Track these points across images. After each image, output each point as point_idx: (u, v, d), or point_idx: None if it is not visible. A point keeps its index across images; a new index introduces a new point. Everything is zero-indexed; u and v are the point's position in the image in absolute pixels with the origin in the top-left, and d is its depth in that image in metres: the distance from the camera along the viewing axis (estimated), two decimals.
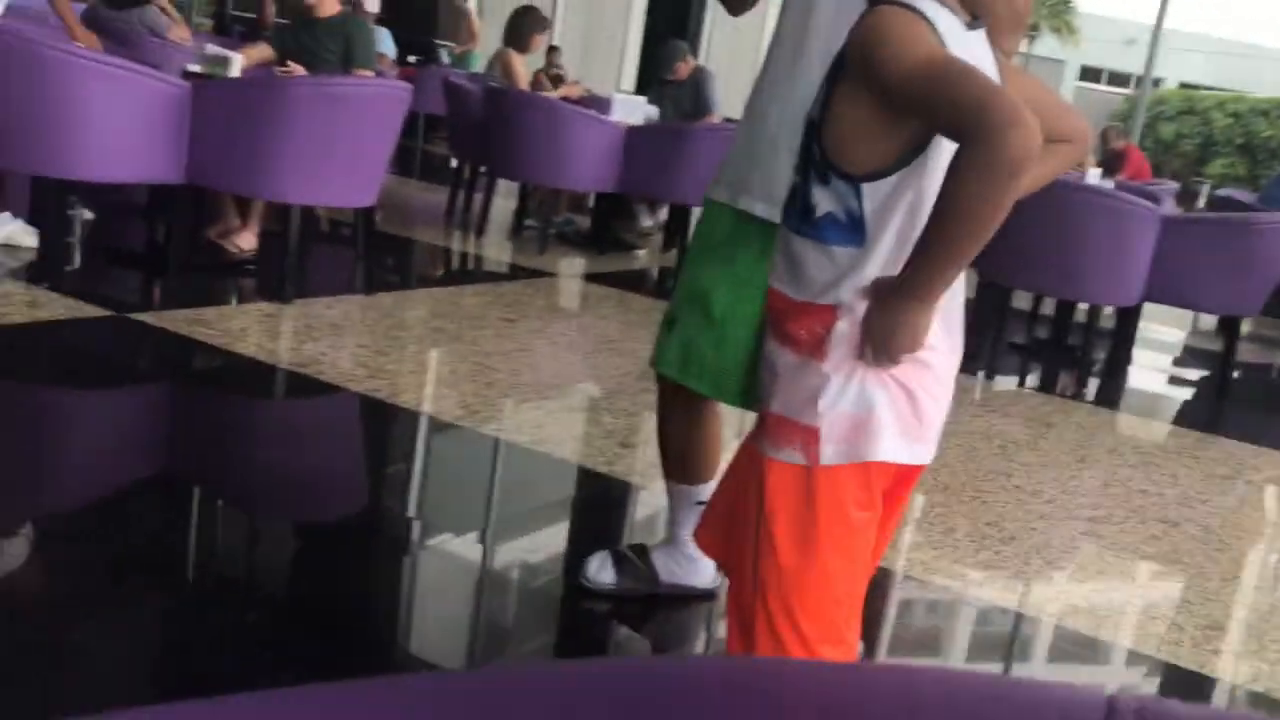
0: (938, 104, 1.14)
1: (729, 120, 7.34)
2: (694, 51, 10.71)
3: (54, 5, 5.03)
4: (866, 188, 1.22)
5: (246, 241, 4.80)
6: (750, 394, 1.80)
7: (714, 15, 11.26)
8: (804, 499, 1.30)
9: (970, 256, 1.15)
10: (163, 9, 7.27)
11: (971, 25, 1.28)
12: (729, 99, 8.91)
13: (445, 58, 11.75)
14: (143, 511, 2.39)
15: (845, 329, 1.25)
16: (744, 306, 1.83)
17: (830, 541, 1.31)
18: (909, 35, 1.16)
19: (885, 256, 1.24)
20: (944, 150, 1.18)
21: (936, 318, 1.24)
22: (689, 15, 10.91)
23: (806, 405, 1.28)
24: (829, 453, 1.28)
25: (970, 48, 1.24)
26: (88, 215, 4.96)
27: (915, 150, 1.21)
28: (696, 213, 7.29)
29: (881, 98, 1.19)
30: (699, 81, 7.24)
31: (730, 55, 15.09)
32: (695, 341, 1.90)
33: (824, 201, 1.26)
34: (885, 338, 1.22)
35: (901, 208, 1.23)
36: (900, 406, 1.27)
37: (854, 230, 1.24)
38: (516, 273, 5.74)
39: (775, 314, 1.35)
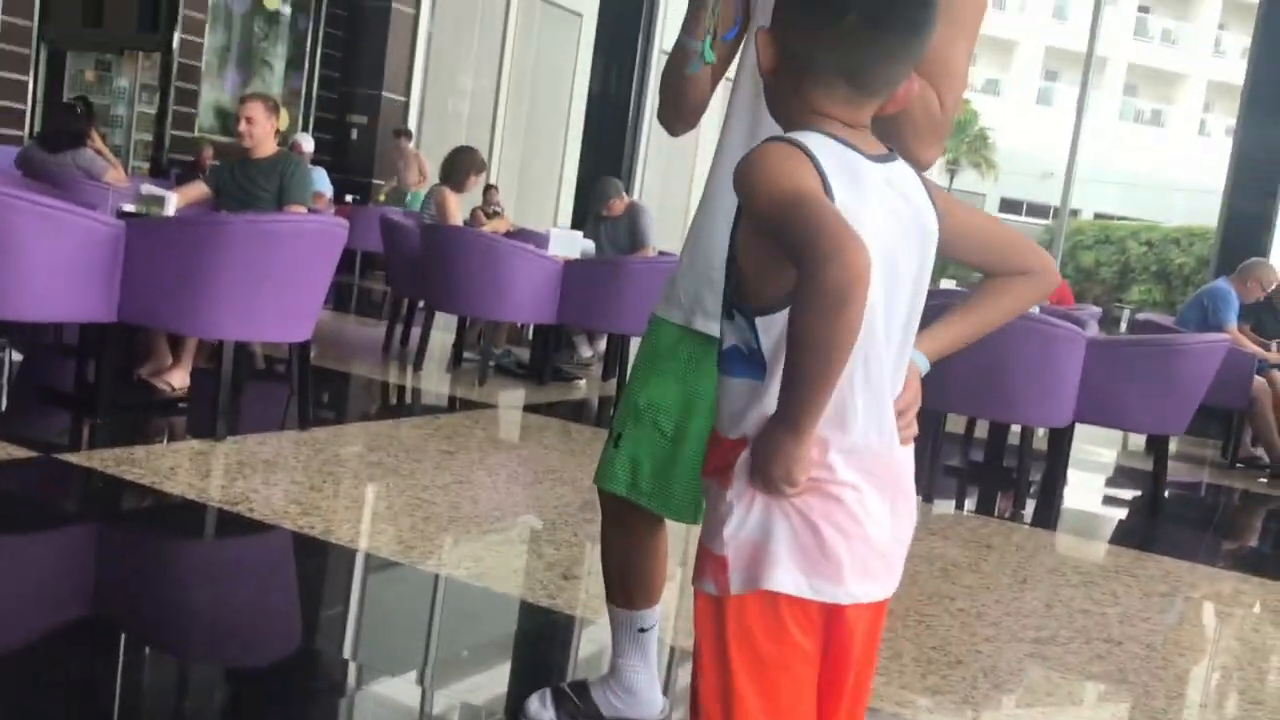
0: (784, 236, 1.16)
1: (663, 253, 7.47)
2: (628, 188, 10.94)
3: None
4: (760, 321, 1.24)
5: (178, 379, 4.73)
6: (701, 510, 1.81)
7: (646, 152, 11.55)
8: (717, 629, 1.29)
9: (823, 386, 1.15)
10: (99, 151, 7.30)
11: (882, 158, 1.30)
12: (663, 232, 9.08)
13: (382, 196, 11.89)
14: (67, 659, 2.29)
15: (747, 459, 1.25)
16: (695, 421, 1.84)
17: (745, 674, 1.28)
18: (782, 169, 1.19)
19: None
20: None
21: (848, 455, 1.24)
22: (622, 153, 11.17)
23: (716, 533, 1.28)
24: (735, 581, 1.26)
25: (874, 183, 1.26)
26: (17, 357, 4.88)
27: None
28: (636, 342, 7.35)
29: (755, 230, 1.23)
30: (634, 216, 7.38)
31: (663, 189, 15.44)
32: (644, 458, 1.89)
33: (729, 334, 1.29)
34: (762, 466, 1.22)
35: None
36: (803, 539, 1.24)
37: (753, 363, 1.25)
38: (455, 405, 5.72)
39: (706, 445, 1.38)
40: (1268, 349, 7.01)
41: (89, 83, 14.29)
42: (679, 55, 1.82)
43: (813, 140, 1.24)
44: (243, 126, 4.93)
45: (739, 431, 1.27)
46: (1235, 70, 9.85)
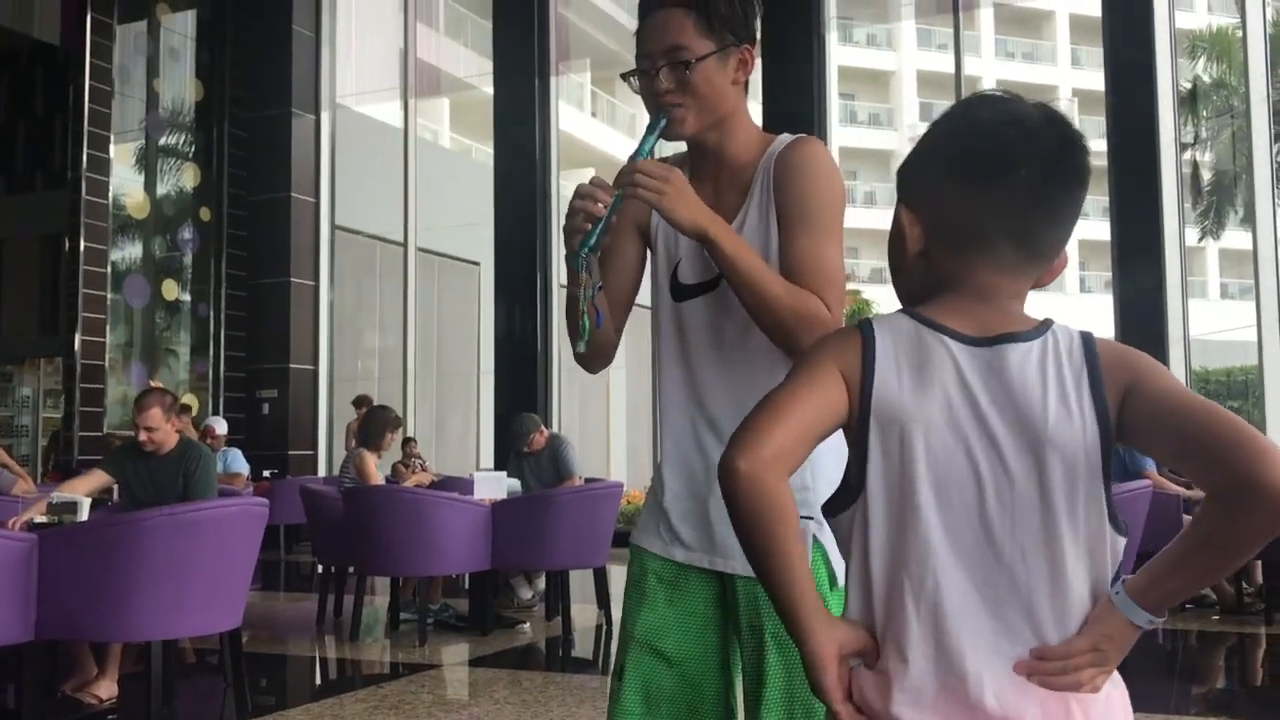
0: None
1: (590, 480, 7.47)
2: (546, 421, 11.02)
3: None
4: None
5: (105, 690, 4.51)
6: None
7: (560, 384, 11.72)
8: None
9: (766, 584, 1.18)
10: (3, 464, 7.16)
11: (997, 339, 1.18)
12: (587, 459, 9.10)
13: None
14: None
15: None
16: (696, 640, 1.81)
17: None
18: (824, 348, 1.25)
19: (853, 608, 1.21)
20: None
21: (912, 696, 1.12)
22: (536, 388, 11.32)
23: None
24: None
25: (947, 369, 1.18)
26: None
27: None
28: (575, 576, 7.23)
29: None
30: (555, 449, 7.41)
31: (583, 416, 15.58)
32: (653, 684, 1.83)
33: None
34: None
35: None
36: None
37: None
38: (398, 670, 5.52)
39: None
40: (1190, 487, 7.17)
41: None
42: (571, 306, 1.84)
43: (891, 322, 1.20)
44: (143, 437, 4.83)
45: None
46: (1104, 229, 10.46)
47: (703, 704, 1.82)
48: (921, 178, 1.23)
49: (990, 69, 36.61)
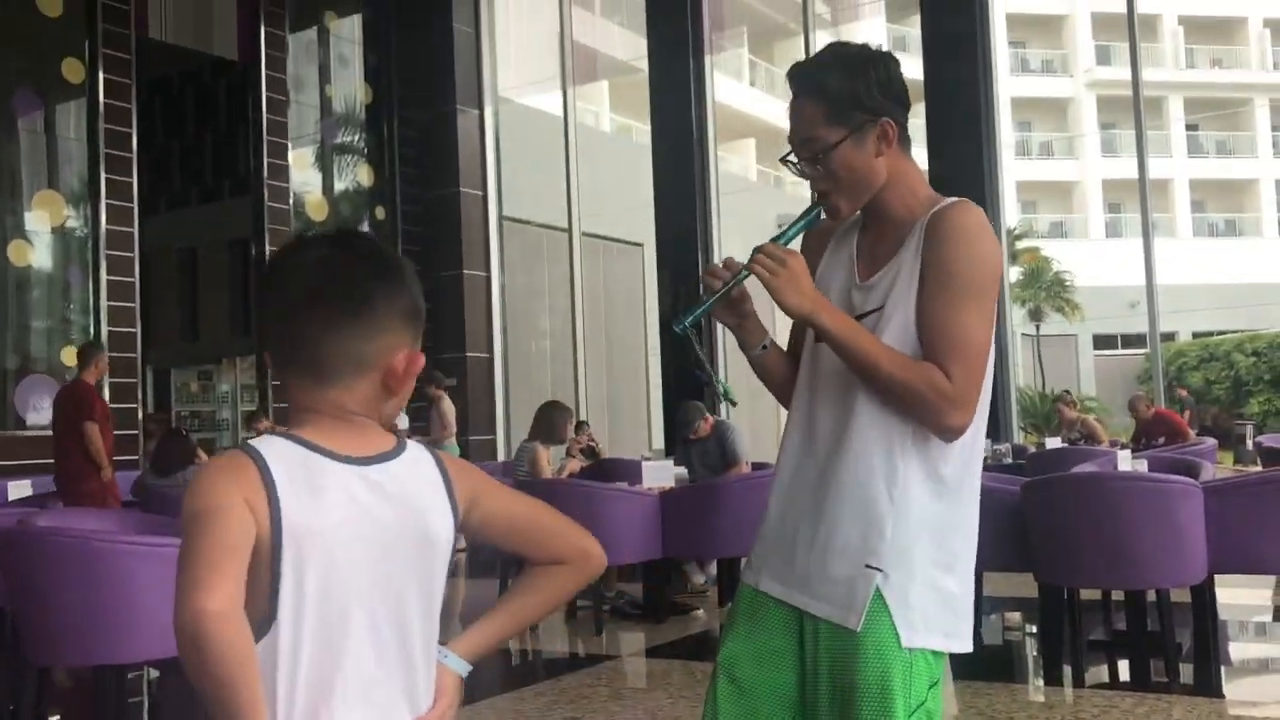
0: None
1: (758, 466, 7.47)
2: (712, 408, 11.05)
3: None
4: None
5: None
6: None
7: (726, 368, 11.72)
8: None
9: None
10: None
11: (371, 459, 1.30)
12: (756, 445, 9.09)
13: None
14: None
15: None
16: (769, 674, 1.85)
17: None
18: (210, 484, 1.24)
19: None
20: None
21: None
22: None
23: None
24: None
25: (340, 486, 1.26)
26: None
27: None
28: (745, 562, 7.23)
29: None
30: (722, 435, 7.43)
31: (751, 403, 15.56)
32: (724, 706, 1.88)
33: None
34: None
35: None
36: None
37: None
38: (576, 662, 5.67)
39: None
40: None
41: (193, 393, 15.12)
42: (757, 366, 2.02)
43: (274, 446, 1.25)
44: None
45: None
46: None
47: None
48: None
49: (1171, 4, 34.60)
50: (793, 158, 1.87)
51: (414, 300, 1.35)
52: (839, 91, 1.81)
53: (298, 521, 1.21)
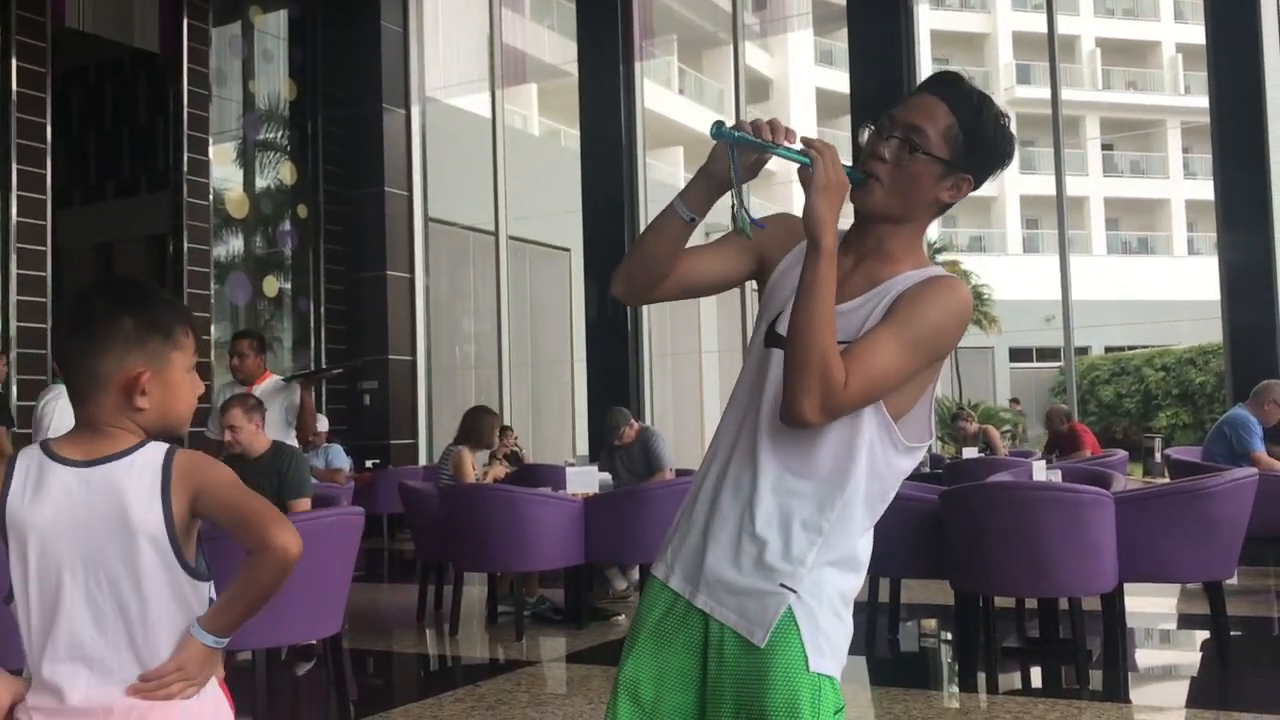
0: None
1: (681, 472, 7.49)
2: (638, 409, 11.07)
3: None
4: None
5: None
6: None
7: (652, 374, 11.75)
8: None
9: None
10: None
11: (93, 462, 1.64)
12: (680, 452, 9.13)
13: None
14: None
15: None
16: (671, 698, 1.81)
17: None
18: None
19: None
20: None
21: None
22: (628, 377, 11.36)
23: None
24: None
25: (58, 484, 1.63)
26: None
27: None
28: None
29: None
30: (646, 441, 7.45)
31: (676, 408, 15.62)
32: None
33: None
34: None
35: None
36: None
37: None
38: (496, 668, 5.63)
39: None
40: None
41: None
42: (665, 218, 1.82)
43: (28, 453, 1.63)
44: (229, 437, 4.96)
45: None
46: (1209, 188, 10.09)
47: None
48: None
49: (1089, 27, 35.52)
50: (871, 127, 1.81)
51: (137, 322, 1.62)
52: (972, 124, 1.78)
53: (18, 514, 1.59)
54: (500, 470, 7.98)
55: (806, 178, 1.69)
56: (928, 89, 1.81)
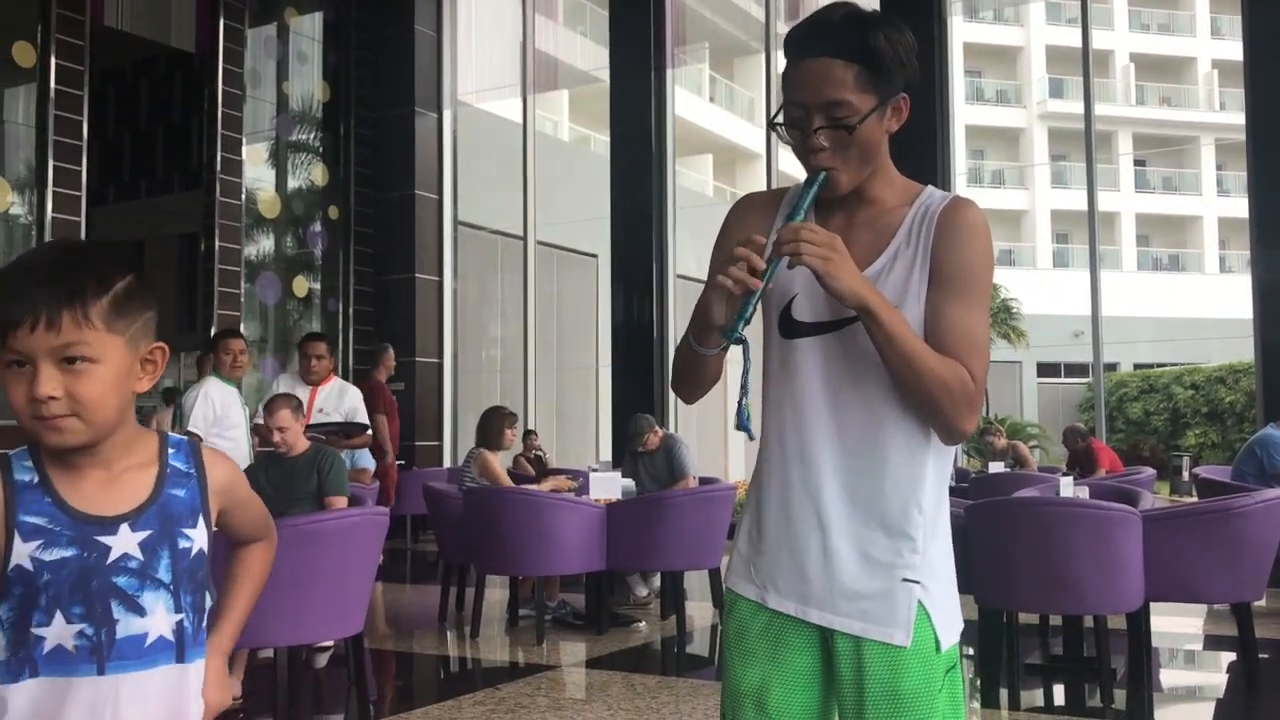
0: None
1: (704, 480, 7.48)
2: (662, 415, 11.06)
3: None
4: None
5: (233, 690, 4.71)
6: None
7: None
8: None
9: None
10: None
11: None
12: (704, 458, 9.11)
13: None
14: None
15: None
16: (797, 697, 1.78)
17: None
18: None
19: None
20: None
21: None
22: (653, 381, 11.36)
23: None
24: None
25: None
26: None
27: None
28: (689, 577, 7.28)
29: None
30: (670, 448, 7.44)
31: (700, 414, 15.58)
32: None
33: None
34: None
35: None
36: None
37: None
38: (516, 671, 5.63)
39: None
40: None
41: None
42: (696, 358, 1.81)
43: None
44: (277, 438, 5.05)
45: None
46: (1243, 206, 9.96)
47: None
48: None
49: (1123, 42, 35.28)
50: (784, 124, 1.72)
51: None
52: (885, 59, 1.68)
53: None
54: (565, 483, 7.64)
55: (802, 265, 1.63)
56: (808, 54, 1.69)
